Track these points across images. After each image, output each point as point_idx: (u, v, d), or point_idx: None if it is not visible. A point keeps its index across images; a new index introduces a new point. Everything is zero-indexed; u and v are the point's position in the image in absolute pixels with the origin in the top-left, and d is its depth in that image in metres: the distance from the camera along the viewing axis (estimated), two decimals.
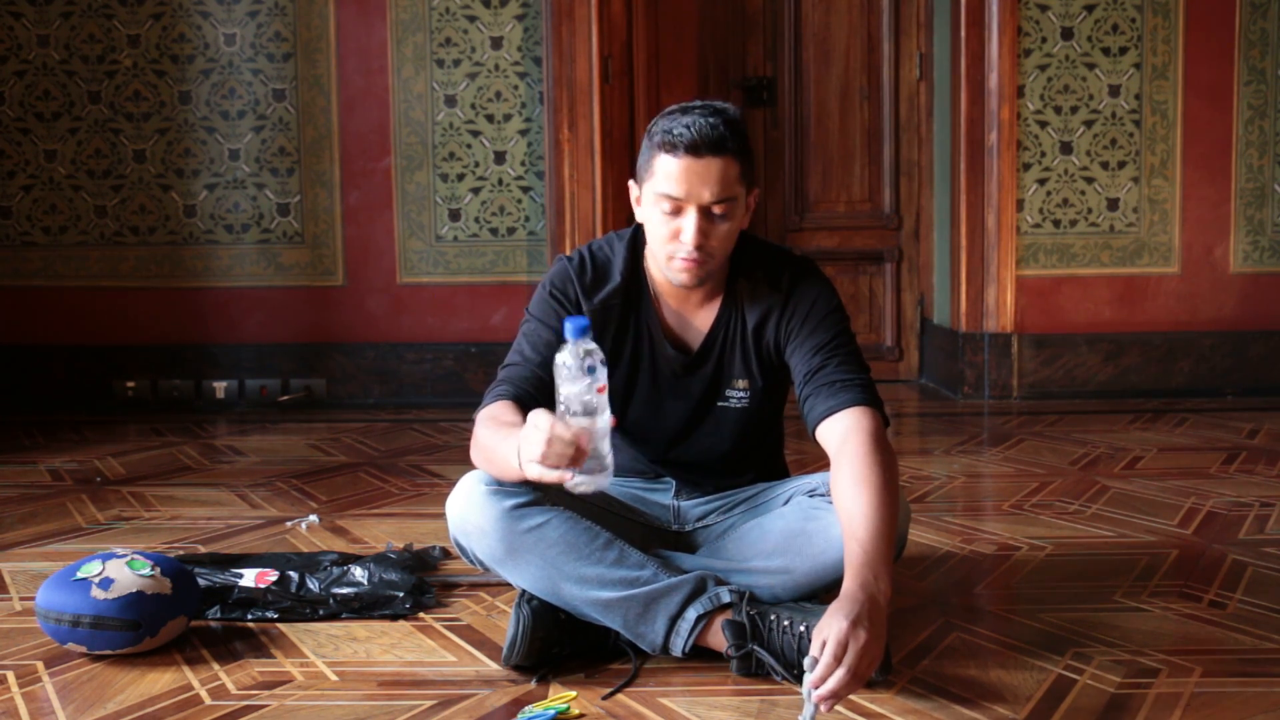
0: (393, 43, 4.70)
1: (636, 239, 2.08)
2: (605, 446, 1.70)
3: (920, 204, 5.18)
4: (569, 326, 1.69)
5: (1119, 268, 4.73)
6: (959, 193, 4.74)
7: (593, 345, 1.69)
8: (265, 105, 4.73)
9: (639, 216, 2.02)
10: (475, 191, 4.73)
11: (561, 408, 1.69)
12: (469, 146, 4.71)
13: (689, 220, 1.91)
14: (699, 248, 1.92)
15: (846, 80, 5.19)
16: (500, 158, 4.71)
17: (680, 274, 1.97)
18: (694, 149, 1.89)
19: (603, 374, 1.69)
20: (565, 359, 1.69)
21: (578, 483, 1.69)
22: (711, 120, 1.90)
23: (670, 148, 1.90)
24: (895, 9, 5.12)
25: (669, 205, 1.92)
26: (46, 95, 4.77)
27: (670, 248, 1.94)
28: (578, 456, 1.66)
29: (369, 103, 4.72)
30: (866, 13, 5.15)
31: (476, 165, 4.72)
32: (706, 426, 2.11)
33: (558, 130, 4.61)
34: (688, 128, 1.89)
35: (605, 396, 1.70)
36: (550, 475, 1.68)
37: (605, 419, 1.70)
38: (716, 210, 1.92)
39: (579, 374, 1.68)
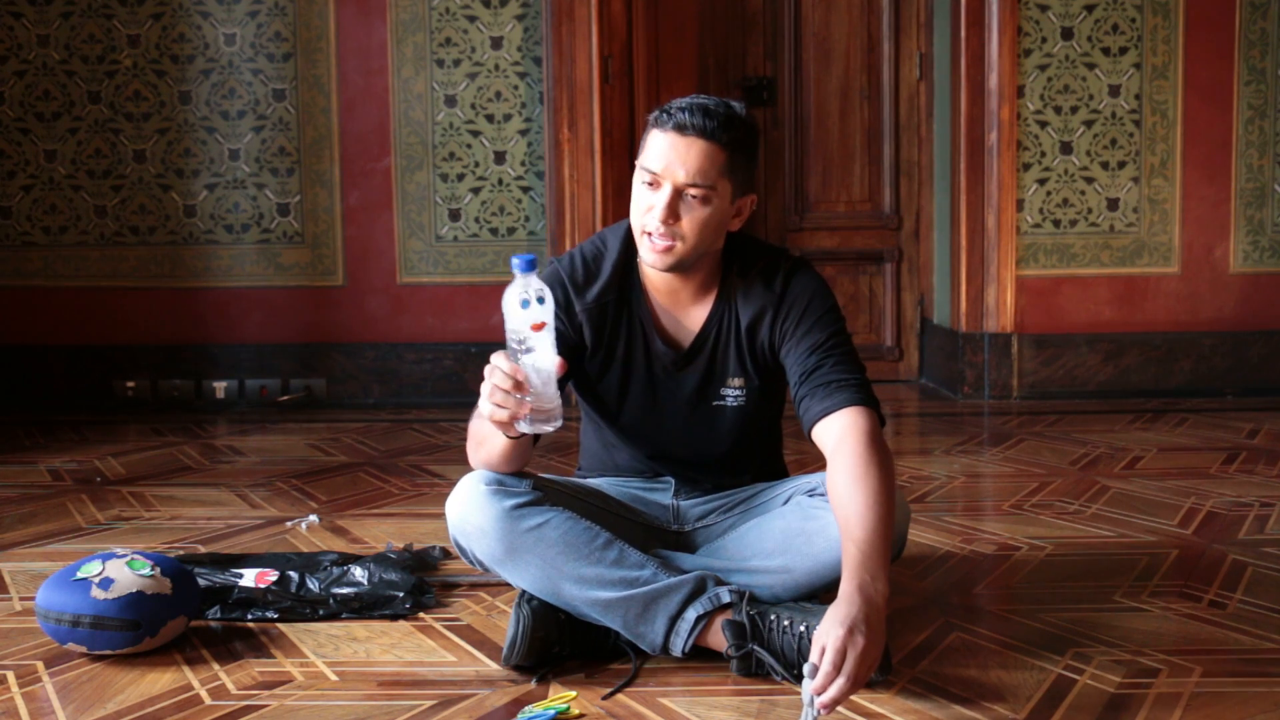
0: (393, 43, 4.70)
1: (631, 237, 2.08)
2: (551, 390, 1.73)
3: (920, 204, 5.18)
4: (517, 262, 1.71)
5: (1119, 268, 4.73)
6: (959, 193, 4.74)
7: (538, 282, 1.71)
8: (265, 105, 4.73)
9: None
10: (475, 191, 4.73)
11: (510, 344, 1.72)
12: (469, 146, 4.71)
13: (660, 195, 1.92)
14: (664, 223, 1.91)
15: (846, 80, 5.19)
16: (500, 158, 4.71)
17: (648, 252, 1.96)
18: (680, 127, 1.90)
19: (541, 311, 1.70)
20: (510, 294, 1.71)
21: (520, 424, 1.74)
22: (711, 107, 1.92)
23: (660, 123, 1.93)
24: (895, 9, 5.12)
25: (648, 178, 1.93)
26: (46, 95, 4.77)
27: (642, 220, 1.95)
28: (518, 389, 1.71)
29: (369, 103, 4.72)
30: (866, 13, 5.15)
31: (476, 165, 4.72)
32: (702, 425, 2.11)
33: (558, 130, 4.61)
34: (683, 109, 1.91)
35: (545, 336, 1.71)
36: (499, 414, 1.74)
37: (547, 359, 1.72)
38: (691, 194, 1.91)
39: (522, 307, 1.70)
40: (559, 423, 1.75)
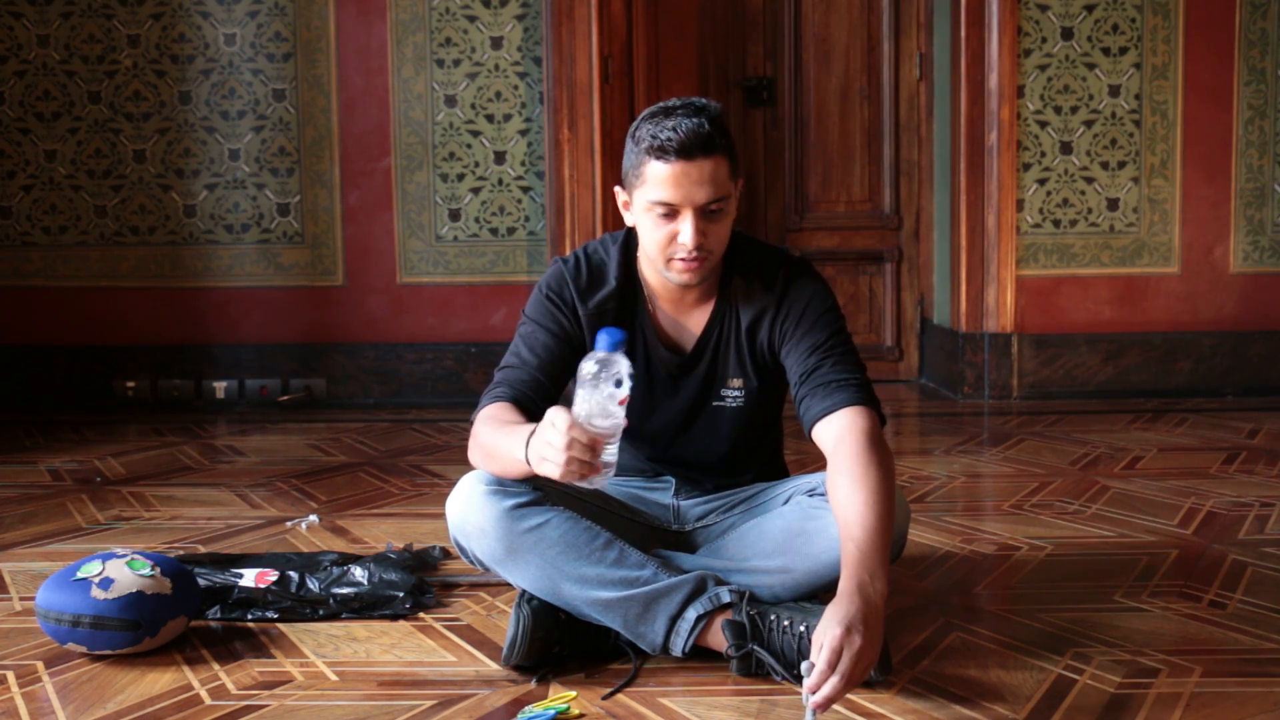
0: (393, 43, 4.70)
1: (629, 242, 2.08)
2: (614, 449, 1.73)
3: (920, 204, 5.18)
4: (604, 339, 1.70)
5: (1119, 268, 4.73)
6: (959, 193, 4.74)
7: (625, 360, 1.71)
8: (265, 105, 4.73)
9: (629, 221, 2.02)
10: (475, 191, 4.73)
11: (581, 412, 1.70)
12: (469, 146, 4.71)
13: (686, 223, 1.91)
14: (699, 247, 1.92)
15: (846, 80, 5.19)
16: (500, 158, 4.71)
17: (681, 275, 1.97)
18: (684, 152, 1.88)
19: (628, 387, 1.70)
20: (593, 369, 1.70)
21: (581, 482, 1.72)
22: (696, 120, 1.89)
23: (660, 153, 1.89)
24: (895, 9, 5.12)
25: (664, 210, 1.92)
26: (46, 95, 4.77)
27: (670, 251, 1.94)
28: (593, 461, 1.69)
29: (369, 103, 4.72)
30: (866, 13, 5.15)
31: (476, 165, 4.72)
32: (702, 426, 2.11)
33: (558, 130, 4.61)
34: (675, 130, 1.88)
35: (624, 407, 1.72)
36: (570, 478, 1.70)
37: (620, 425, 1.72)
38: (712, 208, 1.92)
39: (606, 385, 1.69)
40: (611, 475, 1.75)
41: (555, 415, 1.70)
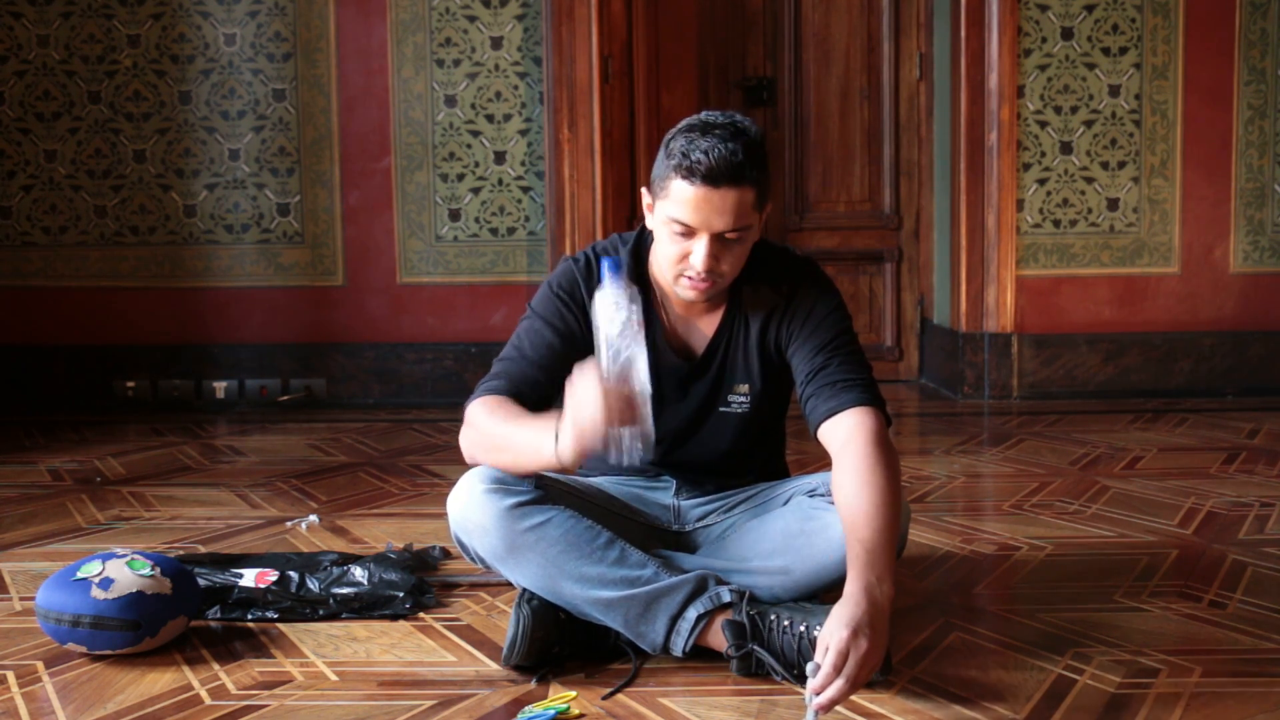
0: (393, 43, 4.70)
1: (640, 246, 2.07)
2: (649, 411, 1.67)
3: (920, 204, 5.18)
4: (610, 264, 1.71)
5: (1119, 268, 4.73)
6: (959, 193, 4.74)
7: (632, 287, 1.70)
8: (265, 105, 4.73)
9: (650, 224, 2.00)
10: (475, 191, 4.73)
11: (606, 355, 1.66)
12: (469, 146, 4.71)
13: (699, 246, 1.89)
14: (709, 271, 1.91)
15: (846, 80, 5.18)
16: (500, 158, 4.71)
17: (687, 292, 1.95)
18: (711, 179, 1.84)
19: (639, 309, 1.69)
20: (608, 296, 1.68)
21: (627, 446, 1.66)
22: (731, 146, 1.84)
23: (687, 173, 1.85)
24: (895, 9, 5.12)
25: (680, 229, 1.89)
26: (46, 95, 4.77)
27: (679, 268, 1.93)
28: (633, 412, 1.64)
29: (369, 103, 4.72)
30: (866, 13, 5.15)
31: (476, 165, 4.72)
32: (707, 430, 2.11)
33: (558, 130, 4.61)
34: (706, 154, 1.83)
35: (643, 336, 1.69)
36: (599, 426, 1.64)
37: (645, 372, 1.67)
38: (729, 236, 1.89)
39: (624, 307, 1.67)
40: (649, 454, 1.69)
41: (579, 373, 1.67)
